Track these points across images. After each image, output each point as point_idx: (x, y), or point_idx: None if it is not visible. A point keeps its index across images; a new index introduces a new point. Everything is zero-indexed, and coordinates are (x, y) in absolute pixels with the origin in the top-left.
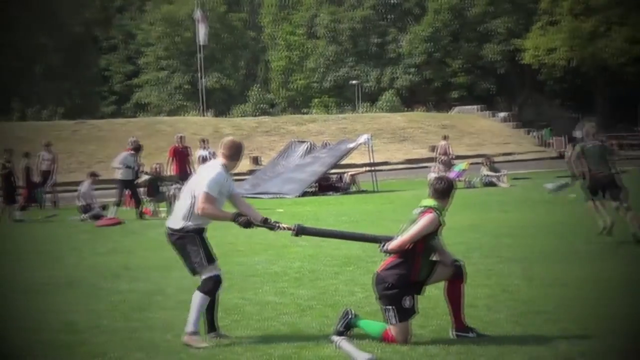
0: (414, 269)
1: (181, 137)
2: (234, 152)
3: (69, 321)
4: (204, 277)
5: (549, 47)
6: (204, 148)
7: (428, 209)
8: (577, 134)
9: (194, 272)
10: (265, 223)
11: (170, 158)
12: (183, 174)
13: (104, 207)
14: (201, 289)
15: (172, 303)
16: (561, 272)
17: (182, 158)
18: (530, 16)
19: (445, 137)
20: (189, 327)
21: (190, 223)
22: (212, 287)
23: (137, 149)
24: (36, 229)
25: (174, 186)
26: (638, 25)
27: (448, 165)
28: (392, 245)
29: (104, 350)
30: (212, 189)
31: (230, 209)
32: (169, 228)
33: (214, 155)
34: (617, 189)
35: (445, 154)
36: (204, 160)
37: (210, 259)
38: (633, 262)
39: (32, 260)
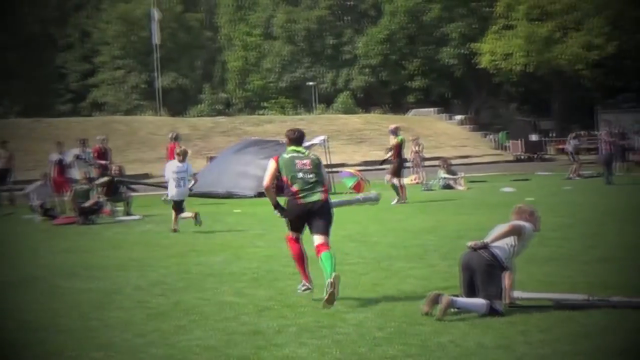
0: None
1: (176, 135)
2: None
3: (25, 320)
4: None
5: (506, 52)
6: (61, 153)
7: None
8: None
9: None
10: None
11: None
12: None
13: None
14: None
15: (130, 302)
16: (517, 274)
17: None
18: (485, 20)
19: (416, 138)
20: None
21: None
22: None
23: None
24: None
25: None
26: (593, 31)
27: (418, 165)
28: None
29: (61, 349)
30: None
31: None
32: None
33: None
34: None
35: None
36: (60, 162)
37: None
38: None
39: None
